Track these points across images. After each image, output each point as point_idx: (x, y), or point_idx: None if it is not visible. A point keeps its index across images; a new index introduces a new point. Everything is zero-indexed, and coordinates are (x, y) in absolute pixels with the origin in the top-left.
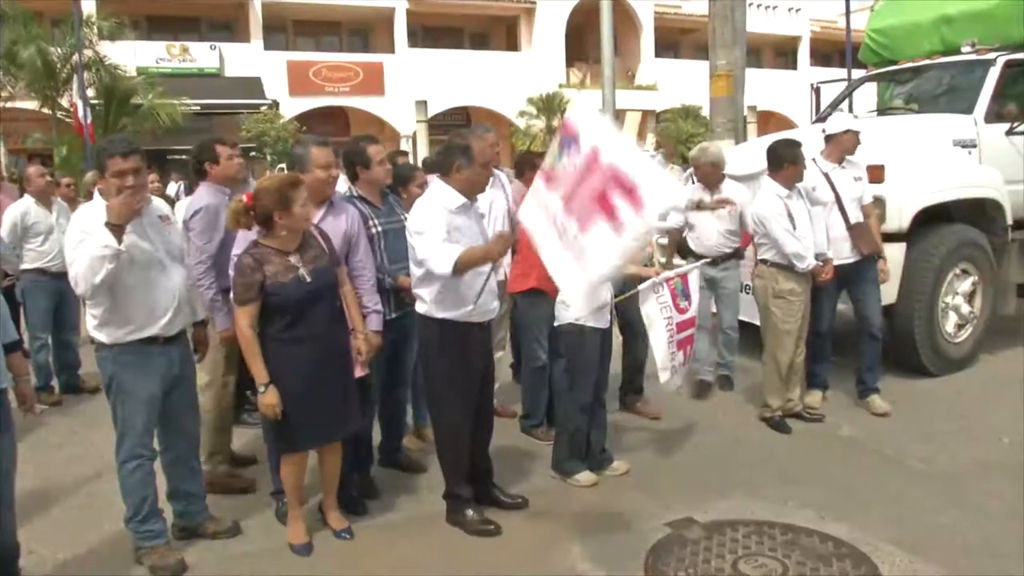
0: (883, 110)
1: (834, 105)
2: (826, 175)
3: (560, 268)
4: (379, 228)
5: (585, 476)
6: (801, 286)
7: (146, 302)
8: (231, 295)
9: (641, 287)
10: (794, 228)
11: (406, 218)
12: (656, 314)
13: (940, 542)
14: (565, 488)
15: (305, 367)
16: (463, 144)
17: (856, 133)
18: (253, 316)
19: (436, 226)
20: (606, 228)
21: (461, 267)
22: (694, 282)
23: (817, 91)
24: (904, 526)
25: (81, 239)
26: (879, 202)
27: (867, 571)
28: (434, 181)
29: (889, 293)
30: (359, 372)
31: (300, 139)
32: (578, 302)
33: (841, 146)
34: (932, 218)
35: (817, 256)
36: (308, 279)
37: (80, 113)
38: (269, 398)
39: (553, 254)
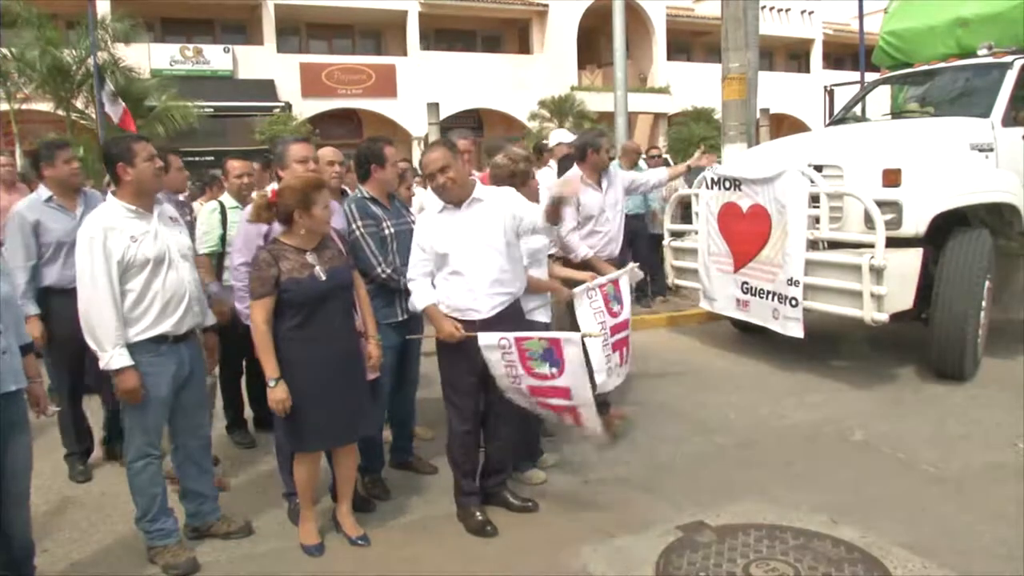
0: (898, 113)
1: (848, 108)
2: None
3: None
4: (391, 229)
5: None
6: None
7: (158, 300)
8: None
9: (575, 291)
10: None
11: (414, 220)
12: (590, 319)
13: (953, 546)
14: (577, 491)
15: (317, 366)
16: None
17: (568, 146)
18: (268, 310)
19: (414, 238)
20: None
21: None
22: (625, 286)
23: (831, 93)
24: (916, 530)
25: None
26: (893, 206)
27: (879, 575)
28: None
29: (904, 299)
30: (370, 376)
31: (278, 140)
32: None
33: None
34: (946, 223)
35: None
36: (323, 277)
37: (114, 114)
38: (278, 393)
39: None
